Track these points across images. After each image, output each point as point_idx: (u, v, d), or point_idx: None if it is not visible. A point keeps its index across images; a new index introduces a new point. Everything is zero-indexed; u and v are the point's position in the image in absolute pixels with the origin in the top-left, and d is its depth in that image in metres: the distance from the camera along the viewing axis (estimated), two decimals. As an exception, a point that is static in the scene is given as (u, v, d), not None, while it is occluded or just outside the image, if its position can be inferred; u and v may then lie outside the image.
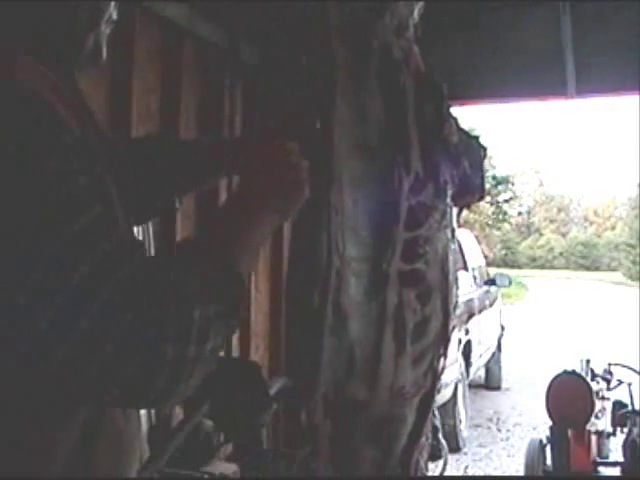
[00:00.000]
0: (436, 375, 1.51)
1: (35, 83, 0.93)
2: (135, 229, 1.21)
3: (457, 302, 1.57)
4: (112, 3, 1.09)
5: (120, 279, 0.85)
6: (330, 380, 1.38)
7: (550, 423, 4.31)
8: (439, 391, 6.04)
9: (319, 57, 1.40)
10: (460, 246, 8.66)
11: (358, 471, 1.43)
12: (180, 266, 0.94)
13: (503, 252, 43.86)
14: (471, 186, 1.58)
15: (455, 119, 1.52)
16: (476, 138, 1.65)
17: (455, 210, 1.56)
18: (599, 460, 4.46)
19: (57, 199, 0.85)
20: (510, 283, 10.05)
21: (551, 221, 55.32)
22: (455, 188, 1.50)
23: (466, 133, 1.59)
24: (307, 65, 1.43)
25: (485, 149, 1.65)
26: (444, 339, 1.51)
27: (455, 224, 1.55)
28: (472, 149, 1.59)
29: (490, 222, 35.69)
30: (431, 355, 1.49)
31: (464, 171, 1.53)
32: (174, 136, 2.90)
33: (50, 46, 1.03)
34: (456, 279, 1.54)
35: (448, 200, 1.49)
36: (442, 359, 1.52)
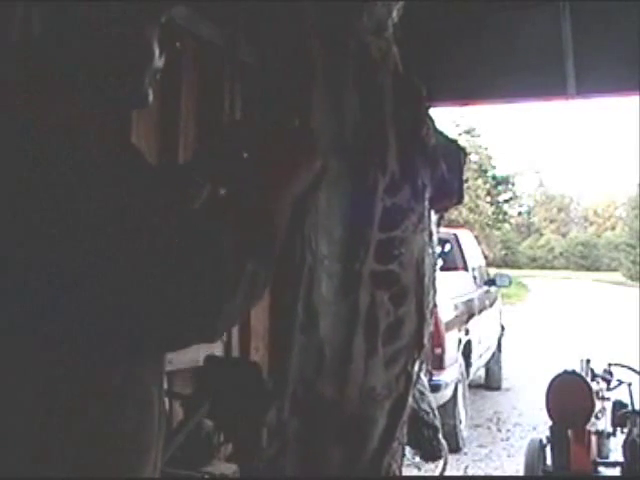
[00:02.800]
0: (410, 379, 1.49)
1: (77, 121, 1.01)
2: None
3: (434, 306, 1.54)
4: (156, 55, 1.18)
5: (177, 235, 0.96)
6: (299, 378, 1.38)
7: (550, 423, 4.31)
8: (439, 391, 6.06)
9: (296, 56, 1.40)
10: (460, 246, 8.68)
11: (326, 470, 1.42)
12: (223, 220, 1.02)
13: (503, 252, 43.84)
14: (449, 189, 1.56)
15: (433, 121, 1.51)
16: (455, 142, 1.63)
17: (434, 215, 1.55)
18: (599, 460, 4.46)
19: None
20: (510, 283, 10.05)
21: (551, 221, 55.33)
22: (433, 191, 1.49)
23: (445, 136, 1.58)
24: (285, 64, 1.43)
25: (465, 153, 1.63)
26: (419, 343, 1.49)
27: (434, 228, 1.54)
28: (451, 152, 1.57)
29: (490, 222, 35.67)
30: (405, 358, 1.46)
31: (442, 174, 1.51)
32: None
33: (98, 91, 1.11)
34: (433, 283, 1.52)
35: (426, 203, 1.48)
36: (417, 364, 1.50)
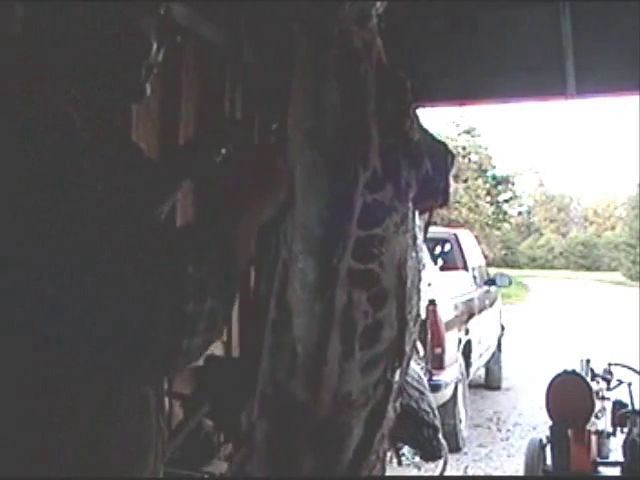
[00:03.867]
0: (390, 388, 1.39)
1: (67, 107, 1.00)
2: None
3: (418, 314, 1.46)
4: (154, 47, 1.17)
5: (119, 242, 0.93)
6: (270, 377, 1.32)
7: (550, 423, 4.31)
8: (439, 391, 6.06)
9: (280, 45, 1.37)
10: (460, 246, 8.68)
11: (297, 475, 1.35)
12: (173, 232, 1.03)
13: (503, 252, 43.80)
14: (433, 189, 1.49)
15: (418, 117, 1.45)
16: (443, 143, 1.57)
17: (422, 219, 1.49)
18: (599, 460, 4.45)
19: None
20: (510, 283, 10.05)
21: (551, 221, 55.29)
22: (416, 189, 1.42)
23: (432, 136, 1.53)
24: (271, 55, 1.40)
25: (453, 155, 1.56)
26: (399, 350, 1.40)
27: (418, 233, 1.46)
28: (437, 152, 1.51)
29: (490, 222, 35.67)
30: (384, 365, 1.37)
31: (426, 173, 1.44)
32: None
33: (94, 84, 1.10)
34: (417, 289, 1.44)
35: (410, 205, 1.41)
36: (398, 372, 1.41)
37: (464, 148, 32.73)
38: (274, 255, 1.30)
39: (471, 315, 7.81)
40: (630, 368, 4.85)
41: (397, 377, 1.41)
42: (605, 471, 4.46)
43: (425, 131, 1.48)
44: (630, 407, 4.54)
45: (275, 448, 1.33)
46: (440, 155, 1.51)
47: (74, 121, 0.98)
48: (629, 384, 4.83)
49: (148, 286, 0.92)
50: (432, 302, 6.11)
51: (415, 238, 1.44)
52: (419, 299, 1.46)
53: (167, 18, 1.20)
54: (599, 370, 4.89)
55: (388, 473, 1.61)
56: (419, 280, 1.46)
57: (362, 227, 1.32)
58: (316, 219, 1.31)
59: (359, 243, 1.32)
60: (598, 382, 4.77)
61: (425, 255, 1.59)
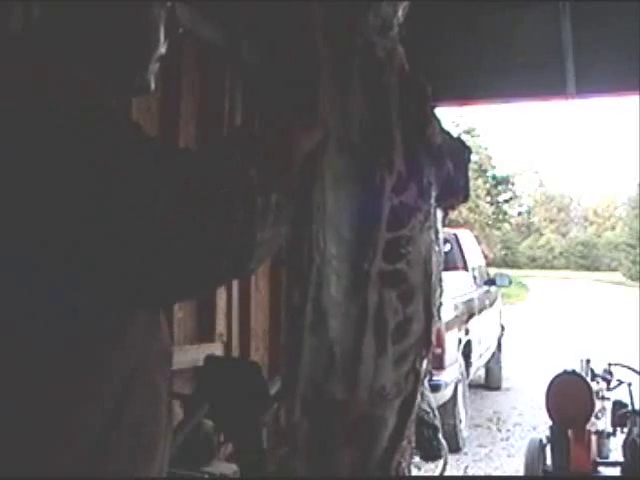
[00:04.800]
0: (418, 377, 1.49)
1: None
2: None
3: (441, 305, 1.54)
4: (161, 40, 1.17)
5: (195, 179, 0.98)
6: (309, 379, 1.37)
7: (550, 423, 4.31)
8: (439, 391, 6.06)
9: (303, 56, 1.40)
10: (460, 246, 8.68)
11: (336, 471, 1.42)
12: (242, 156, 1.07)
13: (503, 252, 43.84)
14: (455, 187, 1.56)
15: (439, 120, 1.51)
16: (460, 140, 1.63)
17: (440, 213, 1.55)
18: (599, 460, 4.45)
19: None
20: (510, 283, 10.05)
21: (551, 221, 55.33)
22: (439, 189, 1.49)
23: (450, 135, 1.59)
24: (291, 65, 1.44)
25: (470, 151, 1.63)
26: (426, 341, 1.49)
27: (440, 226, 1.54)
28: (456, 150, 1.57)
29: (490, 222, 35.69)
30: (413, 357, 1.46)
31: (448, 172, 1.51)
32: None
33: (103, 77, 1.10)
34: (440, 281, 1.52)
35: (432, 201, 1.47)
36: (424, 362, 1.50)
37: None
38: (307, 261, 1.35)
39: (471, 315, 7.81)
40: (630, 368, 4.84)
41: (424, 365, 1.50)
42: (605, 471, 4.46)
43: (443, 131, 1.52)
44: (630, 407, 4.54)
45: (316, 446, 1.40)
46: (459, 153, 1.58)
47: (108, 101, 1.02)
48: (629, 384, 4.83)
49: (220, 183, 0.99)
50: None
51: (437, 232, 1.50)
52: (442, 291, 1.53)
53: (172, 10, 1.19)
54: (599, 370, 4.89)
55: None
56: (440, 273, 1.53)
57: (390, 229, 1.39)
58: (347, 224, 1.37)
59: (388, 245, 1.39)
60: (598, 382, 4.77)
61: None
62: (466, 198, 1.62)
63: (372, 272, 1.37)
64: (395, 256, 1.40)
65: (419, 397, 1.51)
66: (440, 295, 1.53)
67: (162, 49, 1.19)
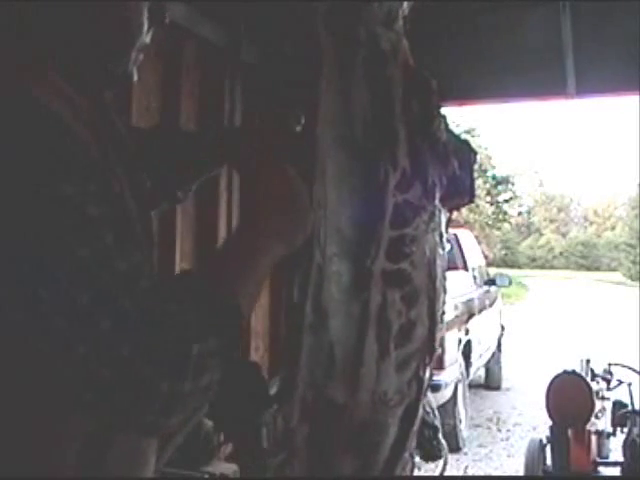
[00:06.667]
0: (421, 385, 1.41)
1: (51, 99, 0.94)
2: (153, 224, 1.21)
3: (444, 311, 1.47)
4: (145, 30, 1.10)
5: (119, 311, 0.85)
6: (308, 381, 1.32)
7: (550, 423, 4.30)
8: (439, 391, 6.05)
9: (306, 47, 1.35)
10: (460, 246, 8.67)
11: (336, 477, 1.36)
12: (180, 298, 0.92)
13: (503, 252, 43.84)
14: (460, 187, 1.50)
15: (445, 119, 1.46)
16: (466, 141, 1.58)
17: (444, 215, 1.50)
18: (599, 460, 4.45)
19: (68, 225, 0.85)
20: (510, 283, 10.05)
21: (551, 221, 55.32)
22: (444, 189, 1.44)
23: (455, 135, 1.54)
24: (293, 56, 1.40)
25: (475, 152, 1.58)
26: (430, 348, 1.42)
27: (444, 229, 1.47)
28: (462, 150, 1.52)
29: (490, 222, 35.66)
30: (416, 363, 1.39)
31: (453, 171, 1.46)
32: (174, 128, 2.89)
33: (80, 66, 1.04)
34: (444, 286, 1.45)
35: (437, 202, 1.42)
36: (428, 369, 1.43)
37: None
38: (308, 259, 1.30)
39: (471, 315, 7.80)
40: (630, 368, 4.84)
41: (427, 374, 1.43)
42: (605, 471, 4.46)
43: (449, 131, 1.48)
44: (630, 407, 4.54)
45: (316, 451, 1.34)
46: (465, 153, 1.53)
47: (61, 119, 0.92)
48: (629, 384, 4.83)
49: (147, 370, 0.86)
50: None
51: (442, 235, 1.46)
52: (446, 295, 1.48)
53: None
54: (599, 370, 4.89)
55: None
56: (444, 276, 1.47)
57: (394, 227, 1.34)
58: (349, 221, 1.32)
59: (391, 243, 1.33)
60: (598, 382, 4.77)
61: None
62: (471, 199, 1.56)
63: (375, 270, 1.32)
64: (399, 255, 1.34)
65: (421, 408, 1.45)
66: (444, 300, 1.47)
67: (146, 38, 1.11)
